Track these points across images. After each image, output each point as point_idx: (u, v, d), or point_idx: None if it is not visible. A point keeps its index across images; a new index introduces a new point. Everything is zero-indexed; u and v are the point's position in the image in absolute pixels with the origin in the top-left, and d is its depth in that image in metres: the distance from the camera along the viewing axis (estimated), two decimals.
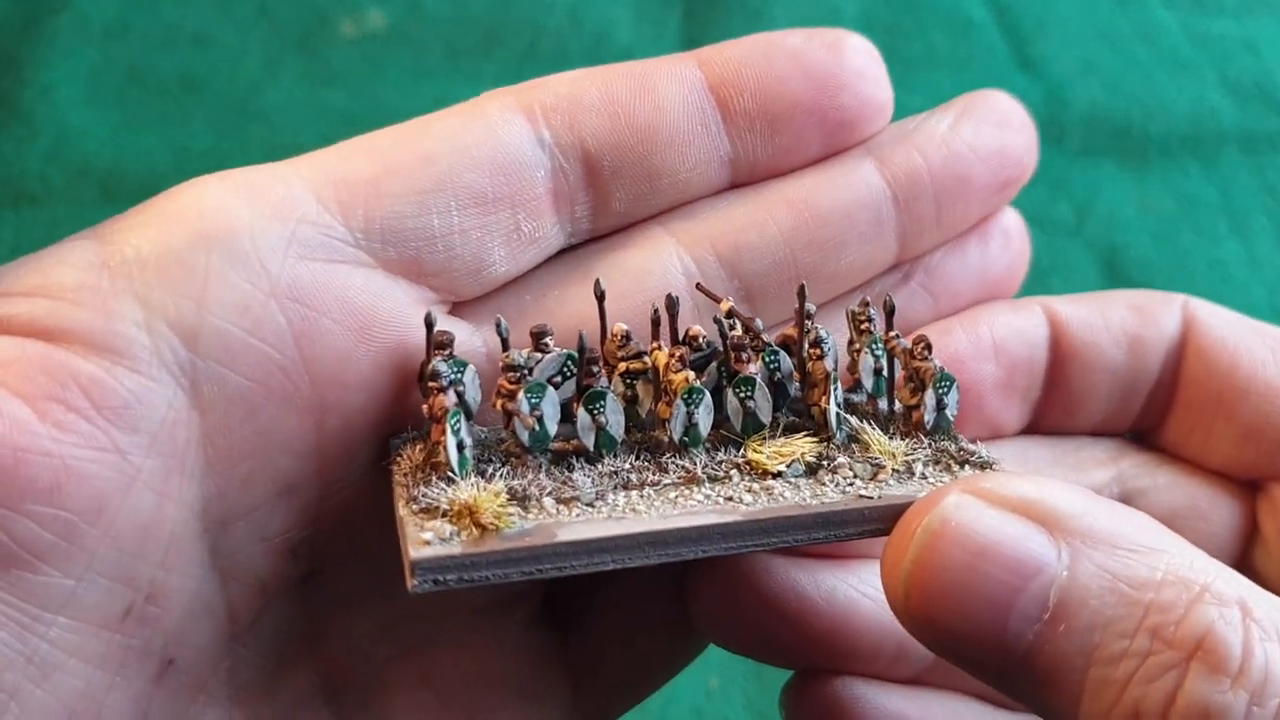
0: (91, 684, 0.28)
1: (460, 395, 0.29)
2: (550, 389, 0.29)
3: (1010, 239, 0.38)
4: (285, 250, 0.29)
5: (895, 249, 0.36)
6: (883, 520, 0.28)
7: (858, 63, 0.35)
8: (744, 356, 0.31)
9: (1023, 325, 0.35)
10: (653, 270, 0.33)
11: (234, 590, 0.30)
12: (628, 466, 0.30)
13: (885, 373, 0.33)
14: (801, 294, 0.32)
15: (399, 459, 0.30)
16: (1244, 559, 0.36)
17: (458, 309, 0.33)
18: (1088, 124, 0.71)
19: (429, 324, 0.29)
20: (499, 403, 0.29)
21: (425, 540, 0.26)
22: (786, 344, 0.32)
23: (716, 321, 0.31)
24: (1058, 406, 0.36)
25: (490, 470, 0.29)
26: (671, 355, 0.30)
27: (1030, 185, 0.67)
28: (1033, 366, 0.36)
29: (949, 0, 0.76)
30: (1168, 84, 0.71)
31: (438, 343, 0.29)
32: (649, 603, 0.35)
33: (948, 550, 0.25)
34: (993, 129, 0.36)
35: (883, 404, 0.33)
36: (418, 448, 0.30)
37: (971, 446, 0.31)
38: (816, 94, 0.34)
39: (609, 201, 0.33)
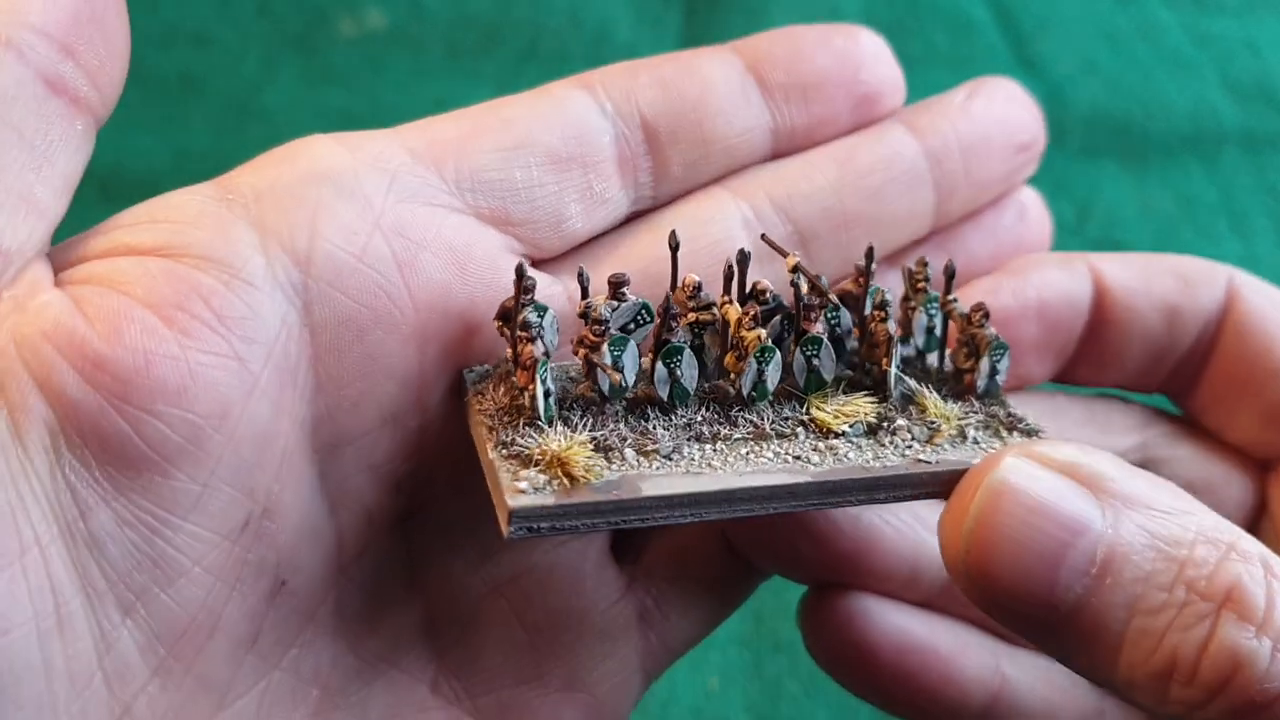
0: (211, 594, 0.29)
1: (540, 339, 0.31)
2: (631, 342, 0.31)
3: (1026, 213, 0.40)
4: (387, 191, 0.32)
5: (933, 200, 0.38)
6: (938, 485, 0.30)
7: (873, 47, 0.39)
8: (812, 316, 0.32)
9: (1069, 287, 0.37)
10: (714, 217, 0.36)
11: (342, 518, 0.32)
12: (699, 419, 0.31)
13: (939, 332, 0.35)
14: (869, 255, 0.33)
15: (480, 396, 0.31)
16: (1251, 532, 0.37)
17: (539, 264, 0.35)
18: (1088, 123, 0.71)
19: (519, 273, 0.30)
20: (582, 352, 0.31)
21: (520, 489, 0.28)
22: (845, 297, 0.34)
23: (793, 286, 0.32)
24: (1088, 363, 0.38)
25: (573, 419, 0.30)
26: (745, 314, 0.32)
27: (1031, 184, 0.67)
28: (1072, 327, 0.37)
29: (950, 1, 0.76)
30: (1168, 84, 0.71)
31: (525, 287, 0.31)
32: (698, 543, 0.37)
33: (1007, 508, 0.26)
34: (1003, 102, 0.40)
35: (932, 359, 0.35)
36: (500, 390, 0.31)
37: (1019, 412, 0.33)
38: (841, 69, 0.38)
39: (668, 166, 0.36)
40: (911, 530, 0.36)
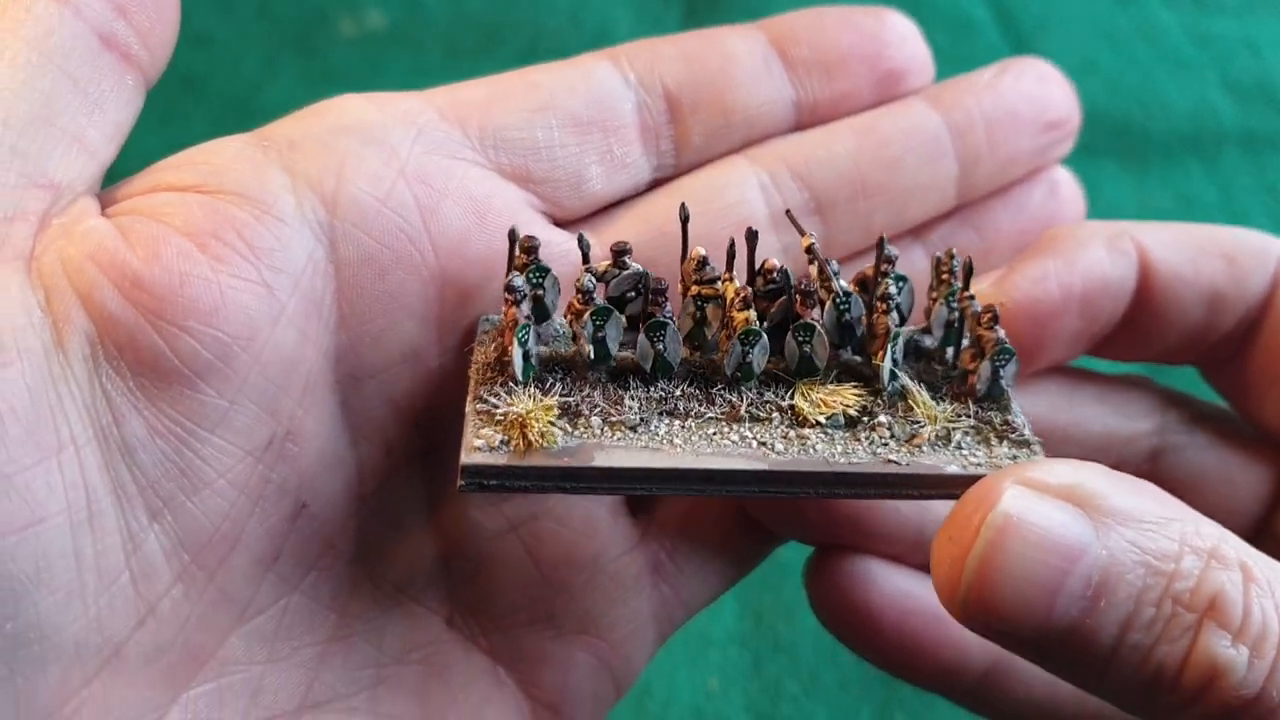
0: (235, 507, 0.30)
1: (540, 299, 0.32)
2: (616, 313, 0.32)
3: (1057, 190, 0.40)
4: (413, 143, 0.33)
5: (955, 172, 0.38)
6: (905, 486, 0.30)
7: (900, 27, 0.39)
8: (809, 301, 0.32)
9: (1115, 275, 0.36)
10: (730, 183, 0.37)
11: (363, 449, 0.33)
12: (678, 393, 0.31)
13: (956, 326, 0.34)
14: (881, 245, 0.32)
15: (480, 347, 0.32)
16: (1266, 523, 0.37)
17: (561, 224, 0.36)
18: (1088, 123, 0.70)
19: (512, 238, 0.32)
20: (569, 318, 0.32)
21: (477, 446, 0.29)
22: (864, 282, 0.33)
23: (797, 279, 0.32)
24: (1121, 343, 0.37)
25: (551, 380, 0.31)
26: (737, 294, 0.32)
27: None
28: (1113, 315, 0.36)
29: (950, 1, 0.76)
30: (1168, 84, 0.71)
31: (525, 247, 0.32)
32: (710, 503, 0.38)
33: (1010, 545, 0.26)
34: (1033, 80, 0.40)
35: (949, 353, 0.34)
36: (492, 346, 0.32)
37: (1016, 420, 0.32)
38: (866, 47, 0.38)
39: (689, 135, 0.37)
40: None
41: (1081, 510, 0.26)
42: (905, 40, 0.39)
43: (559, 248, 0.34)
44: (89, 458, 0.28)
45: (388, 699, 0.33)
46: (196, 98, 0.75)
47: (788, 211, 0.35)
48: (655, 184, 0.37)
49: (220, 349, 0.29)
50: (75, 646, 0.27)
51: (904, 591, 0.37)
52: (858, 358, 0.33)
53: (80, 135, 0.30)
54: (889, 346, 0.32)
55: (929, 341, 0.34)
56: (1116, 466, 0.28)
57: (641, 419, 0.30)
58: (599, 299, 0.32)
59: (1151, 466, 0.38)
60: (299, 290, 0.31)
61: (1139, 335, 0.37)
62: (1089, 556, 0.26)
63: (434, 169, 0.33)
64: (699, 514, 0.38)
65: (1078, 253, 0.36)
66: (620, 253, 0.32)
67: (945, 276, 0.34)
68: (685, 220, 0.33)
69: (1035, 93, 0.39)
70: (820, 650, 0.49)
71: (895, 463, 0.30)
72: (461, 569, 0.35)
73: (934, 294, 0.34)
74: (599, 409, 0.31)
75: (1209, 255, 0.36)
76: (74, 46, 0.30)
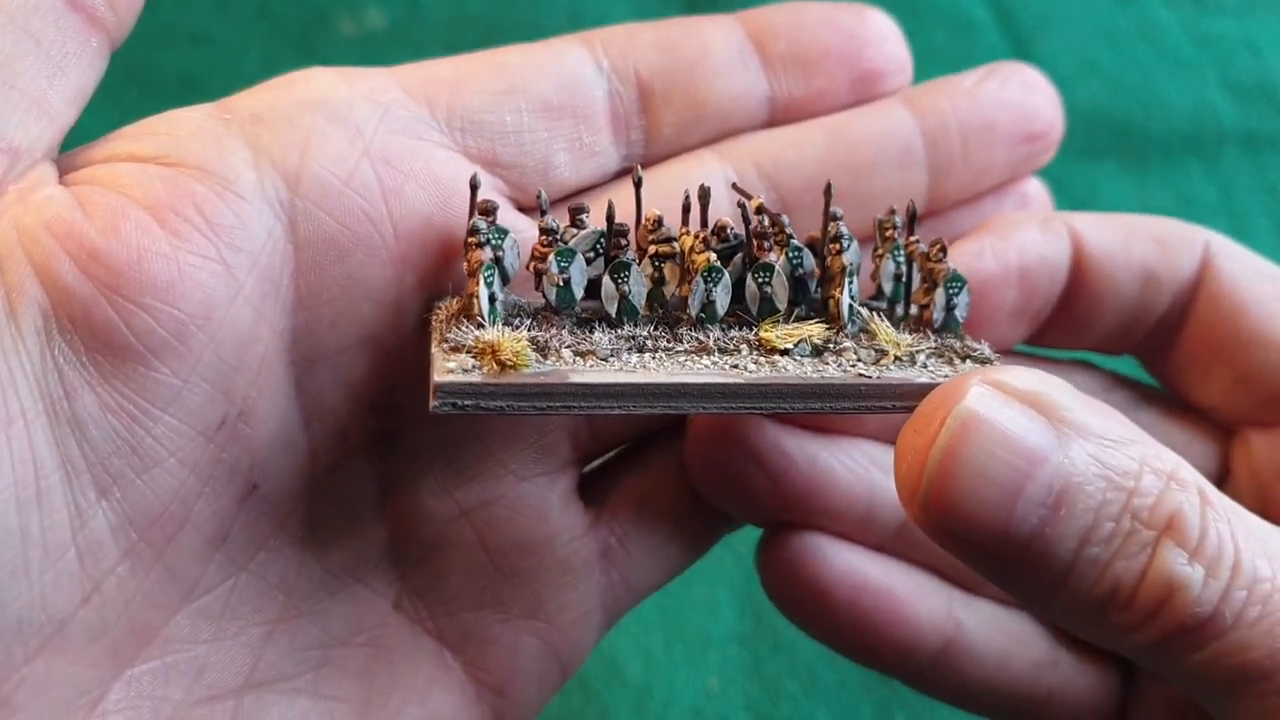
0: (185, 486, 0.30)
1: (499, 260, 0.32)
2: (579, 257, 0.32)
3: (1028, 203, 0.40)
4: (379, 122, 0.33)
5: (926, 180, 0.38)
6: (879, 398, 0.30)
7: (881, 26, 0.39)
8: (765, 245, 0.33)
9: (1049, 253, 0.36)
10: (697, 178, 0.36)
11: (316, 431, 0.33)
12: (645, 334, 0.32)
13: (905, 278, 0.34)
14: (828, 192, 0.33)
15: (438, 311, 0.32)
16: None
17: (525, 210, 0.36)
18: (1088, 124, 0.71)
19: (474, 186, 0.32)
20: (531, 264, 0.32)
21: (449, 369, 0.29)
22: (813, 245, 0.34)
23: (740, 206, 0.33)
24: (1061, 327, 0.38)
25: (518, 323, 0.31)
26: (696, 238, 0.32)
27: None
28: (1050, 292, 0.37)
29: (950, 1, 0.76)
30: (1168, 84, 0.71)
31: (481, 209, 0.32)
32: (663, 487, 0.38)
33: (973, 440, 0.26)
34: (1016, 88, 0.39)
35: (900, 309, 0.35)
36: (454, 300, 0.32)
37: (975, 345, 0.33)
38: (845, 45, 0.38)
39: (660, 126, 0.37)
40: (866, 472, 0.36)
41: (1045, 418, 0.26)
42: (885, 40, 0.39)
43: (522, 235, 0.34)
44: (39, 433, 0.28)
45: (332, 680, 0.34)
46: (197, 97, 0.75)
47: (734, 184, 0.35)
48: (624, 172, 0.37)
49: (176, 327, 0.29)
50: (18, 623, 0.27)
51: (855, 568, 0.36)
52: (813, 314, 0.33)
53: (40, 98, 0.30)
54: (845, 283, 0.32)
55: (879, 305, 0.35)
56: None
57: (613, 351, 0.30)
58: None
59: None
60: (257, 269, 0.31)
61: (1078, 318, 0.37)
62: (1050, 464, 0.26)
63: (399, 150, 0.33)
64: (650, 499, 0.38)
65: (1013, 232, 0.36)
66: (577, 211, 0.33)
67: (890, 233, 0.35)
68: (638, 185, 0.33)
69: (1017, 102, 0.39)
70: (820, 650, 0.49)
71: (866, 376, 0.30)
72: (411, 553, 0.35)
73: (879, 251, 0.35)
74: (568, 344, 0.30)
75: (1139, 238, 0.37)
76: (38, 6, 0.30)
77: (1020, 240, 0.36)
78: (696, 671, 0.49)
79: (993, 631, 0.37)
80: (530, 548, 0.36)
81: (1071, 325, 0.38)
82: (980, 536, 0.26)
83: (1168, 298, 0.37)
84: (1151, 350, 0.38)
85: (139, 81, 0.76)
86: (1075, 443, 0.26)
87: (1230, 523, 0.26)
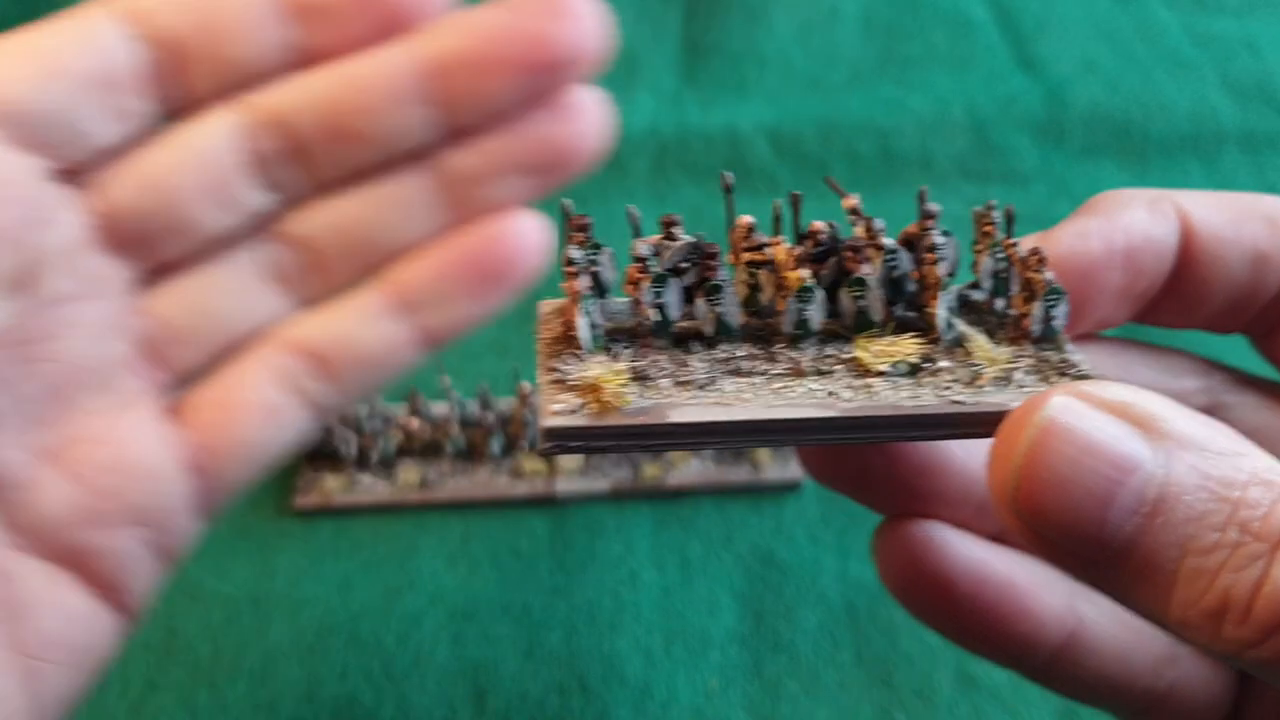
0: None
1: (597, 276, 0.32)
2: (674, 279, 0.32)
3: (576, 118, 0.40)
4: None
5: (433, 115, 0.39)
6: (972, 425, 0.30)
7: None
8: (860, 256, 0.32)
9: (1157, 234, 0.35)
10: (207, 132, 0.37)
11: None
12: (741, 354, 0.32)
13: (1005, 275, 0.34)
14: (921, 199, 0.33)
15: (546, 326, 0.33)
16: None
17: (70, 175, 0.36)
18: (1088, 123, 0.71)
19: (565, 213, 0.32)
20: (627, 288, 0.32)
21: (555, 411, 0.30)
22: (909, 241, 0.33)
23: (851, 223, 0.33)
24: (1167, 307, 0.37)
25: (617, 349, 0.32)
26: (790, 253, 0.32)
27: (1031, 184, 0.67)
28: (1157, 273, 0.36)
29: (950, 1, 0.76)
30: (1168, 83, 0.71)
31: (576, 225, 0.32)
32: (246, 403, 0.39)
33: (1056, 446, 0.26)
34: (530, 16, 0.38)
35: (999, 304, 0.34)
36: (559, 323, 0.33)
37: (1074, 358, 0.32)
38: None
39: (189, 83, 0.38)
40: (985, 459, 0.35)
41: (1138, 428, 0.26)
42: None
43: (66, 215, 0.35)
44: None
45: None
46: None
47: (827, 178, 0.35)
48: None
49: None
50: None
51: (978, 559, 0.36)
52: (912, 313, 0.33)
53: None
54: (941, 295, 0.32)
55: (979, 295, 0.34)
56: None
57: (710, 379, 0.31)
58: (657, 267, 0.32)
59: None
60: None
61: (1185, 298, 0.36)
62: (1144, 471, 0.25)
63: None
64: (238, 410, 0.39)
65: (1119, 212, 0.35)
66: (669, 224, 0.33)
67: (988, 229, 0.34)
68: (729, 191, 0.33)
69: (527, 30, 0.38)
70: (820, 650, 0.49)
71: (960, 403, 0.30)
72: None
73: (978, 247, 0.34)
74: (667, 372, 0.31)
75: (1250, 218, 0.35)
76: None
77: (1126, 220, 0.35)
78: (696, 671, 0.49)
79: (1115, 627, 0.37)
80: (117, 468, 0.37)
81: (1179, 305, 0.36)
82: (1076, 544, 0.26)
83: (1278, 278, 0.35)
84: (1263, 329, 0.37)
85: None
86: (1175, 453, 0.25)
87: None
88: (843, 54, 0.71)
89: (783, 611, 0.50)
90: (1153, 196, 0.36)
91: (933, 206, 0.33)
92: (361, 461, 0.55)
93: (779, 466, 0.53)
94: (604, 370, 0.30)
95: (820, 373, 0.31)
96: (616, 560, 0.52)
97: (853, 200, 0.33)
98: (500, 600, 0.51)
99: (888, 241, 0.33)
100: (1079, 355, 0.32)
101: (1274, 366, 0.38)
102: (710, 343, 0.32)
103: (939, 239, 0.33)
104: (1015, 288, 0.33)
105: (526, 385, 0.55)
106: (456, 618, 0.50)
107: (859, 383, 0.31)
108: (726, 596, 0.51)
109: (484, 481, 0.54)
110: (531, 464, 0.54)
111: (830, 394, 0.30)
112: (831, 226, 0.33)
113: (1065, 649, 0.36)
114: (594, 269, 0.32)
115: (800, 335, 0.32)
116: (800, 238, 0.33)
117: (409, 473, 0.54)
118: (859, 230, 0.33)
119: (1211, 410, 0.36)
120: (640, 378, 0.31)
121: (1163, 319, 0.37)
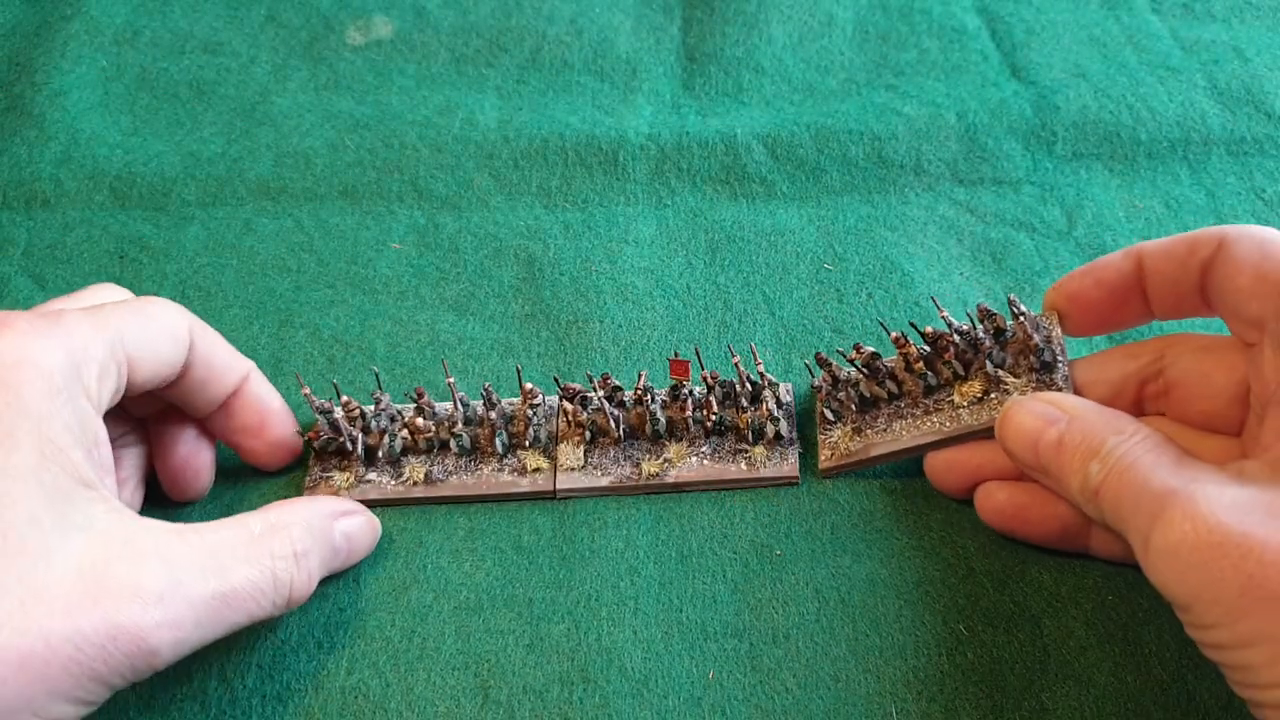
0: None
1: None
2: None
3: None
4: None
5: None
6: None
7: None
8: (948, 353, 0.53)
9: (1117, 265, 0.49)
10: None
11: None
12: (903, 406, 0.54)
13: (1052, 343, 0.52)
14: (986, 314, 0.53)
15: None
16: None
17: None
18: (1078, 129, 0.71)
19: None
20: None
21: (826, 455, 0.54)
22: (935, 340, 0.53)
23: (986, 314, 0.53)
24: (1158, 309, 0.50)
25: (843, 420, 0.55)
26: (907, 358, 0.53)
27: (1021, 188, 0.67)
28: (1126, 291, 0.49)
29: (942, 9, 0.76)
30: (1157, 90, 0.72)
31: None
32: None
33: (1014, 416, 0.46)
34: None
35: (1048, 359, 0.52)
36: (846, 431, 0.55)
37: (1059, 380, 0.50)
38: None
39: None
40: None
41: (1054, 407, 0.46)
42: None
43: None
44: None
45: None
46: (206, 104, 0.76)
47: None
48: None
49: None
50: None
51: (1067, 512, 0.50)
52: (998, 368, 0.51)
53: None
54: (987, 362, 0.51)
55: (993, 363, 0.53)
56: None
57: (887, 425, 0.54)
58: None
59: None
60: None
61: (1158, 301, 0.49)
62: (1056, 426, 0.45)
63: None
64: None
65: (1100, 260, 0.50)
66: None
67: (1018, 315, 0.52)
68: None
69: None
70: (817, 643, 0.49)
71: (994, 415, 0.50)
72: None
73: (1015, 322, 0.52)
74: (859, 425, 0.55)
75: (1176, 243, 0.48)
76: None
77: (1104, 262, 0.50)
78: (695, 663, 0.49)
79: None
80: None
81: (1158, 308, 0.49)
82: (1025, 464, 0.46)
83: (1197, 271, 0.47)
84: (1206, 304, 0.48)
85: (151, 87, 0.77)
86: (1074, 423, 0.45)
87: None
88: (837, 62, 0.71)
89: (779, 605, 0.50)
90: (1124, 251, 0.50)
91: (1013, 322, 0.52)
92: (369, 459, 0.55)
93: (775, 464, 0.54)
94: (841, 433, 0.54)
95: (937, 411, 0.52)
96: (617, 554, 0.52)
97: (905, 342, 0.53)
98: (504, 594, 0.51)
99: (957, 339, 0.52)
100: (1063, 375, 0.50)
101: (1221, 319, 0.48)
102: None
103: (982, 334, 0.52)
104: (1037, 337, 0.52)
105: (529, 385, 0.55)
106: (461, 611, 0.51)
107: (953, 413, 0.51)
108: (724, 590, 0.51)
109: (488, 478, 0.55)
110: (534, 461, 0.55)
111: (941, 425, 0.52)
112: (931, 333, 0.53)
113: (1074, 534, 0.51)
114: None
115: (932, 387, 0.53)
116: (934, 348, 0.52)
117: (415, 470, 0.55)
118: (913, 350, 0.53)
119: (1159, 366, 0.50)
120: (860, 432, 0.54)
121: (1163, 317, 0.50)
